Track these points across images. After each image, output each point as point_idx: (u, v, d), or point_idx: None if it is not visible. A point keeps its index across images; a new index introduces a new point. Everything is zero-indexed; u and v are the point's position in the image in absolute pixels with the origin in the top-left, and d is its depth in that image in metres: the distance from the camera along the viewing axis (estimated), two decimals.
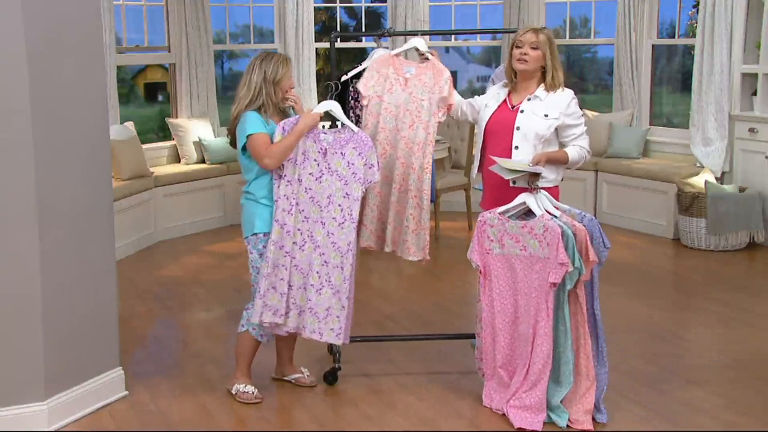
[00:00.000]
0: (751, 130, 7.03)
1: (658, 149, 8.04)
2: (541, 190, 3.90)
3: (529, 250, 3.82)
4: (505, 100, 4.14)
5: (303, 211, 3.97)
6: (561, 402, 3.84)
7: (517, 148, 4.03)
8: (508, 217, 3.88)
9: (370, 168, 3.97)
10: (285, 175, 3.95)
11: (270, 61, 4.00)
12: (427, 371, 4.47)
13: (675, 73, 9.81)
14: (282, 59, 4.03)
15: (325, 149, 3.98)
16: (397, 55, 4.26)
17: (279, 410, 4.07)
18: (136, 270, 6.55)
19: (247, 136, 3.93)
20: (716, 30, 7.20)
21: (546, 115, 4.02)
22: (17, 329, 3.68)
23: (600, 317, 3.90)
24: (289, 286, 3.96)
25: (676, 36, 8.36)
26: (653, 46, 8.18)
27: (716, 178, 7.20)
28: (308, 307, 3.95)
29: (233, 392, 4.14)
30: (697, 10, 7.54)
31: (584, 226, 3.80)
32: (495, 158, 3.97)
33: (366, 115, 4.20)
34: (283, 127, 3.94)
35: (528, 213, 3.89)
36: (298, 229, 3.96)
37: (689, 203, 6.95)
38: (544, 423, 3.80)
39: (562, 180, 4.18)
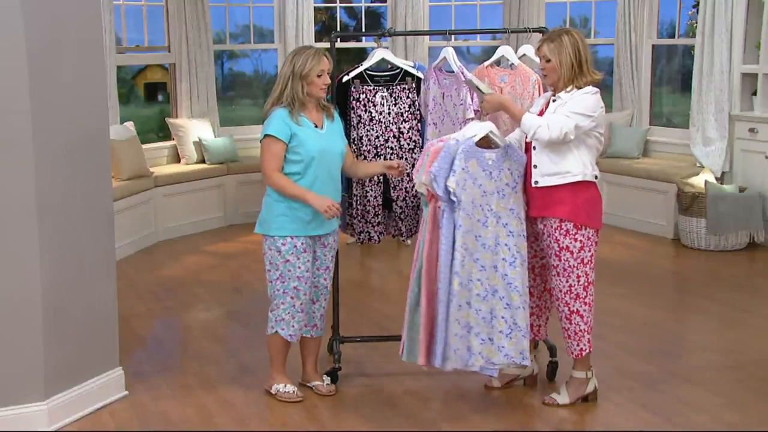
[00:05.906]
0: (751, 130, 7.02)
1: (658, 149, 8.04)
2: (488, 122, 3.83)
3: None
4: (543, 107, 3.96)
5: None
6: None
7: (535, 148, 3.86)
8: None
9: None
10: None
11: (301, 55, 3.91)
12: (426, 371, 4.46)
13: (675, 73, 9.81)
14: (313, 53, 3.91)
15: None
16: (491, 65, 4.26)
17: (279, 410, 4.07)
18: (136, 270, 6.54)
19: (265, 135, 3.92)
20: (716, 30, 7.20)
21: (554, 113, 3.80)
22: (17, 329, 3.68)
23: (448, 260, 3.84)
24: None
25: (676, 36, 8.36)
26: (653, 46, 8.18)
27: (716, 178, 7.20)
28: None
29: (273, 392, 4.13)
30: (697, 10, 7.53)
31: (440, 150, 3.69)
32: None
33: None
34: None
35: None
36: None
37: (689, 203, 6.94)
38: None
39: (597, 178, 3.88)
